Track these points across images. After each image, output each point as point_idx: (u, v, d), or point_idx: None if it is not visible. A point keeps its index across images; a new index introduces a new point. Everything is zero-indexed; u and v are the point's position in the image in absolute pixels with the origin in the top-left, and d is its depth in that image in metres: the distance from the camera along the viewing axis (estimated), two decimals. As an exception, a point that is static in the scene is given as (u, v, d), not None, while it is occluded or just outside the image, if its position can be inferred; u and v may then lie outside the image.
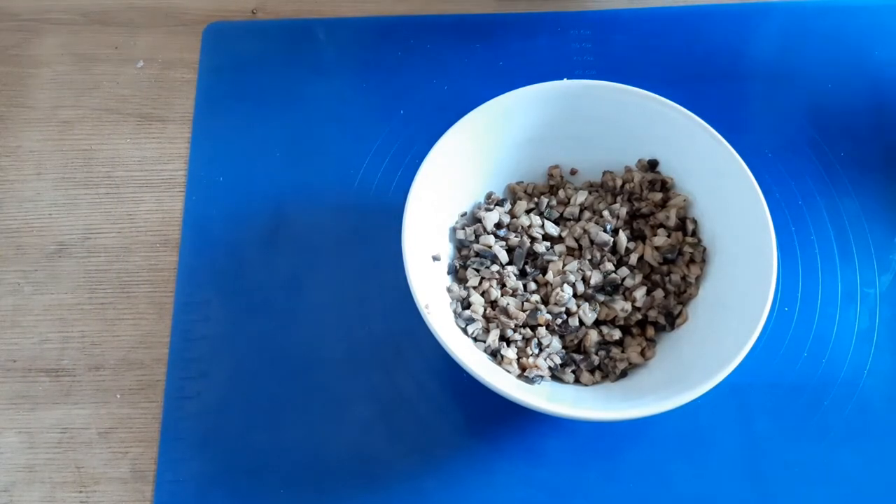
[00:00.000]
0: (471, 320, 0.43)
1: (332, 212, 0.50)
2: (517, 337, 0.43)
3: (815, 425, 0.44)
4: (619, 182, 0.47)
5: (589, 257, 0.45)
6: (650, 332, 0.44)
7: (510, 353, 0.42)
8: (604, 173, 0.48)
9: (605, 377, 0.43)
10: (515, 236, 0.45)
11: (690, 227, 0.45)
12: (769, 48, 0.55)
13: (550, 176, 0.48)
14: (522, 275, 0.45)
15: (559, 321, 0.43)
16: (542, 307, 0.43)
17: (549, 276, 0.44)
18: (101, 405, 0.45)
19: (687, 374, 0.39)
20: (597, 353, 0.43)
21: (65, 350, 0.47)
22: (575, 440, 0.44)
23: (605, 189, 0.47)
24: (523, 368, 0.42)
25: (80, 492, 0.43)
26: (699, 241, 0.45)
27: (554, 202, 0.47)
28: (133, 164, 0.53)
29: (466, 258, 0.45)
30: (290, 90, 0.54)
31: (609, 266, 0.44)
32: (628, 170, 0.47)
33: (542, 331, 0.43)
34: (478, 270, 0.44)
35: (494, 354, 0.42)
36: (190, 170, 0.52)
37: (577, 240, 0.45)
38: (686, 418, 0.44)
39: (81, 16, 0.58)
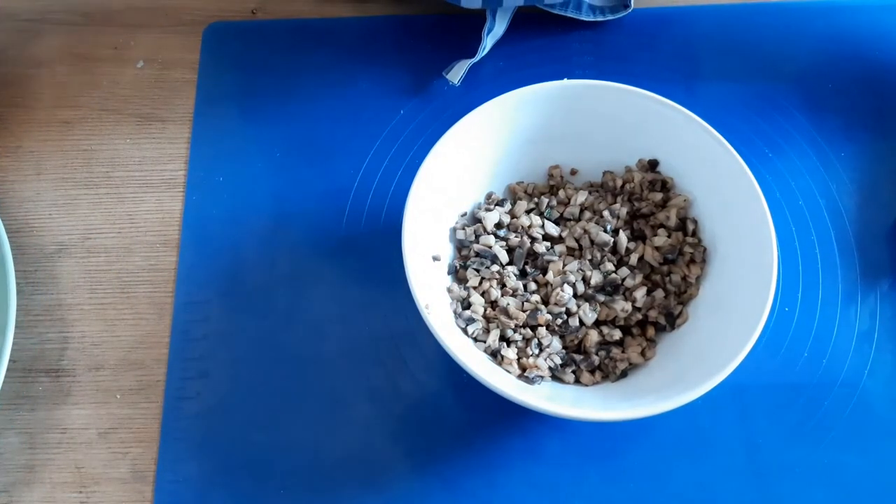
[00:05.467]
0: (471, 320, 0.43)
1: (332, 212, 0.50)
2: (517, 337, 0.43)
3: (815, 426, 0.44)
4: (619, 182, 0.47)
5: (589, 257, 0.45)
6: (650, 332, 0.44)
7: (510, 353, 0.42)
8: (604, 173, 0.48)
9: (605, 377, 0.43)
10: (515, 236, 0.45)
11: (691, 227, 0.45)
12: (769, 48, 0.55)
13: (550, 176, 0.48)
14: (522, 275, 0.45)
15: (559, 321, 0.43)
16: (543, 307, 0.43)
17: (550, 276, 0.44)
18: (101, 405, 0.45)
19: (687, 374, 0.39)
20: (597, 354, 0.43)
21: (65, 350, 0.47)
22: (575, 440, 0.44)
23: (605, 189, 0.47)
24: (523, 368, 0.42)
25: (80, 492, 0.43)
26: (699, 241, 0.45)
27: (554, 202, 0.47)
28: (133, 165, 0.53)
29: (466, 258, 0.45)
30: (289, 90, 0.54)
31: (609, 266, 0.44)
32: (628, 170, 0.47)
33: (542, 331, 0.43)
34: (478, 270, 0.44)
35: (494, 354, 0.42)
36: (190, 170, 0.52)
37: (577, 240, 0.45)
38: (686, 418, 0.44)
39: (81, 16, 0.58)
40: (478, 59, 0.53)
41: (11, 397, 0.46)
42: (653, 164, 0.47)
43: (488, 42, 0.53)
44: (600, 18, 0.55)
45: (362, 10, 0.58)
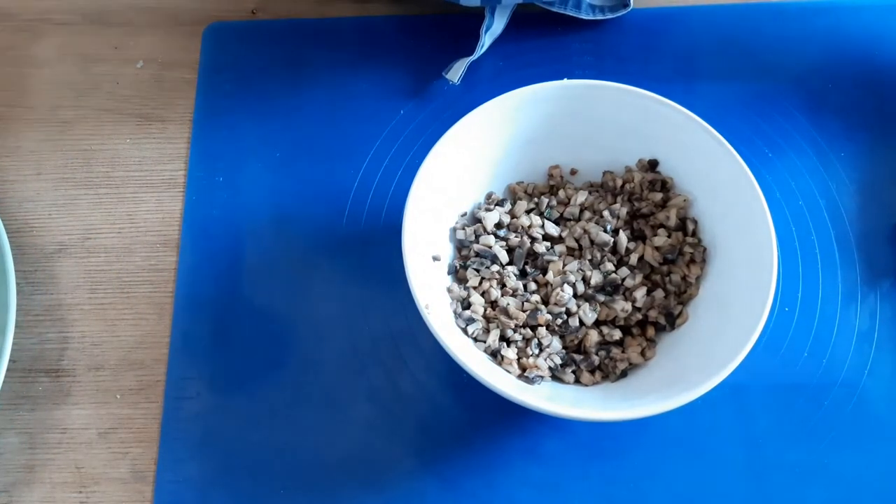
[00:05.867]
0: (471, 320, 0.43)
1: (332, 212, 0.50)
2: (517, 337, 0.43)
3: (816, 426, 0.44)
4: (619, 182, 0.47)
5: (589, 257, 0.45)
6: (650, 332, 0.44)
7: (510, 353, 0.42)
8: (604, 173, 0.48)
9: (605, 377, 0.43)
10: (515, 236, 0.45)
11: (690, 227, 0.45)
12: (769, 48, 0.55)
13: (550, 176, 0.48)
14: (522, 275, 0.45)
15: (559, 321, 0.43)
16: (543, 307, 0.43)
17: (550, 276, 0.44)
18: (101, 405, 0.45)
19: (687, 374, 0.39)
20: (597, 354, 0.43)
21: (65, 350, 0.47)
22: (575, 440, 0.44)
23: (605, 189, 0.47)
24: (523, 368, 0.42)
25: (80, 492, 0.43)
26: (699, 241, 0.45)
27: (554, 202, 0.47)
28: (133, 165, 0.53)
29: (466, 258, 0.45)
30: (289, 90, 0.54)
31: (609, 266, 0.44)
32: (628, 170, 0.47)
33: (542, 331, 0.43)
34: (478, 270, 0.44)
35: (494, 354, 0.42)
36: (190, 170, 0.52)
37: (577, 240, 0.45)
38: (686, 418, 0.44)
39: (81, 16, 0.58)
40: (476, 56, 0.53)
41: (11, 397, 0.46)
42: (653, 164, 0.47)
43: (487, 40, 0.53)
44: (600, 17, 0.55)
45: (362, 10, 0.58)
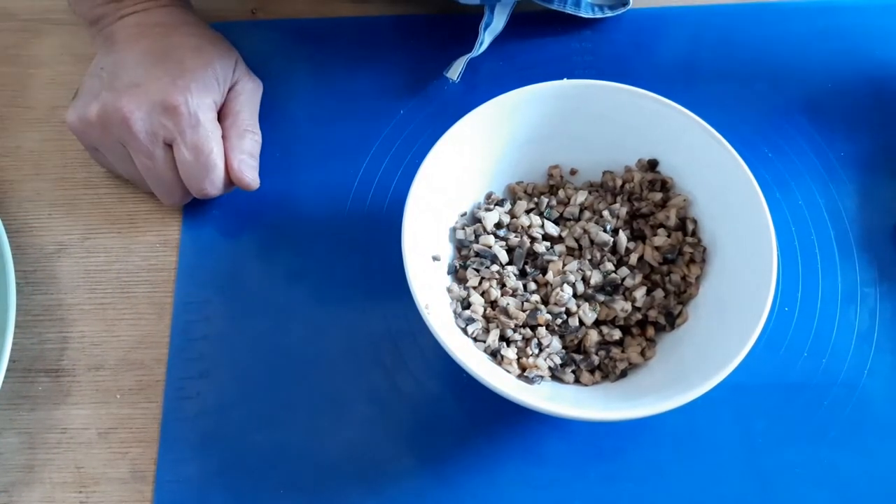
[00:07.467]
0: (471, 320, 0.43)
1: (332, 212, 0.50)
2: (517, 337, 0.43)
3: (815, 425, 0.44)
4: (619, 182, 0.47)
5: (589, 257, 0.45)
6: (650, 332, 0.44)
7: (510, 353, 0.42)
8: (604, 173, 0.48)
9: (605, 377, 0.43)
10: (515, 236, 0.45)
11: (690, 227, 0.45)
12: (769, 48, 0.55)
13: (550, 176, 0.48)
14: (522, 275, 0.45)
15: (559, 321, 0.43)
16: (542, 307, 0.43)
17: (549, 276, 0.44)
18: (101, 405, 0.45)
19: (687, 374, 0.39)
20: (597, 353, 0.43)
21: (65, 350, 0.47)
22: (575, 440, 0.44)
23: (605, 189, 0.47)
24: (523, 368, 0.42)
25: (80, 492, 0.43)
26: (699, 241, 0.45)
27: (554, 202, 0.47)
28: (133, 164, 0.52)
29: (466, 258, 0.45)
30: (289, 90, 0.54)
31: (609, 266, 0.44)
32: (628, 170, 0.47)
33: (542, 331, 0.43)
34: (478, 270, 0.44)
35: (494, 354, 0.42)
36: (190, 170, 0.52)
37: (577, 240, 0.45)
38: (686, 418, 0.44)
39: (81, 16, 0.58)
40: (476, 53, 0.53)
41: (11, 397, 0.46)
42: (653, 164, 0.47)
43: (486, 37, 0.53)
44: (599, 15, 0.55)
45: (362, 10, 0.58)
